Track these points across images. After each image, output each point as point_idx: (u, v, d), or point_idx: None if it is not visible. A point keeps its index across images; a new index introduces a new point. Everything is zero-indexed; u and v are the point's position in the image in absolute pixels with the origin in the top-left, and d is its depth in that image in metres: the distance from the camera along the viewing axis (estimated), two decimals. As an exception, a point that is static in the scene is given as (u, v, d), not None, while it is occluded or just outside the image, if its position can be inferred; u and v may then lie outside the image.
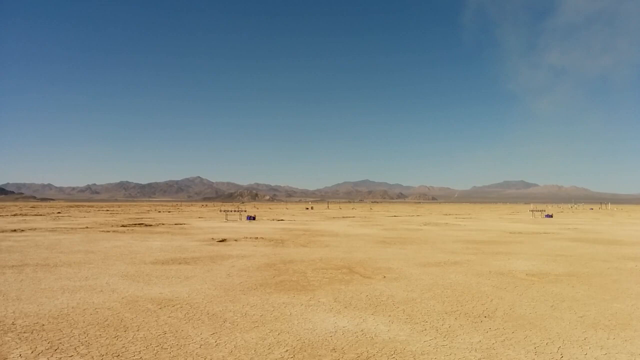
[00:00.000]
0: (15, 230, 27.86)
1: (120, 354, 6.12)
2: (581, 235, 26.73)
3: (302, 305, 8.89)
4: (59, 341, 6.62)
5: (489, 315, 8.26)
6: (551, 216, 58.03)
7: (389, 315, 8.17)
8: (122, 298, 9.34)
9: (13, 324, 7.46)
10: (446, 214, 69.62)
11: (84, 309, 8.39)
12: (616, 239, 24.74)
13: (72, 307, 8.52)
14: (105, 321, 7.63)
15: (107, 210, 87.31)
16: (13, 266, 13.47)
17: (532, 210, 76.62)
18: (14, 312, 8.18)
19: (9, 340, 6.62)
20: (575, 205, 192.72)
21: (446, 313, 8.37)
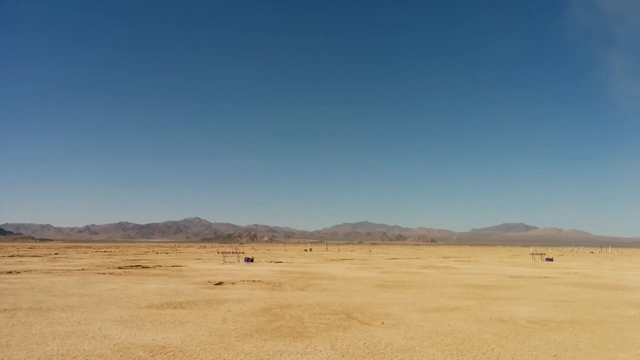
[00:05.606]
0: (10, 272, 27.52)
1: (109, 406, 5.92)
2: (582, 280, 26.41)
3: (297, 353, 8.68)
4: (46, 391, 6.41)
5: (489, 365, 8.05)
6: (551, 260, 57.52)
7: (387, 365, 7.96)
8: (114, 345, 9.13)
9: (0, 372, 7.25)
10: (445, 257, 69.03)
11: (74, 357, 8.18)
12: (618, 284, 24.44)
13: (62, 355, 8.31)
14: (95, 370, 7.42)
15: (105, 251, 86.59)
16: (5, 310, 13.23)
17: (532, 254, 76.06)
18: (1, 359, 7.97)
19: (-6, 390, 6.42)
20: (576, 249, 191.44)
21: (446, 362, 8.16)
